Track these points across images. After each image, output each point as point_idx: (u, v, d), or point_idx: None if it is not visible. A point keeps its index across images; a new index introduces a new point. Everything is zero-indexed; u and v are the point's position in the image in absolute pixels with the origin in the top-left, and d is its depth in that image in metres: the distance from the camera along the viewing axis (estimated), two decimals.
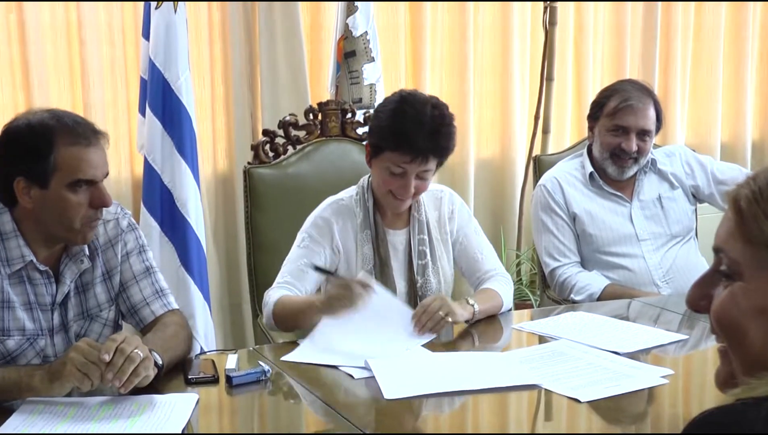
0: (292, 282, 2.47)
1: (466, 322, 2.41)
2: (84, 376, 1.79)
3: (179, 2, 3.45)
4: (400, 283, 2.58)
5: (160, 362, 1.93)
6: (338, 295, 2.20)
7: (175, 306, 2.25)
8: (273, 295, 2.44)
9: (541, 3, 4.36)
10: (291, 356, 2.19)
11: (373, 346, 2.18)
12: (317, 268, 2.37)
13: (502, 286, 2.59)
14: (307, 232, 2.55)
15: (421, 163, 2.41)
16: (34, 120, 2.00)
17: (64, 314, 2.11)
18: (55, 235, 2.06)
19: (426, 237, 2.59)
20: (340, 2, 3.82)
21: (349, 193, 2.62)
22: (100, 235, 2.15)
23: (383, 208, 2.58)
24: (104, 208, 2.08)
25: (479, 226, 2.72)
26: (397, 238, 2.60)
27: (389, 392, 1.94)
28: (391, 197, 2.49)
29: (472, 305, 2.42)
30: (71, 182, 1.99)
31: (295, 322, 2.40)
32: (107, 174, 2.07)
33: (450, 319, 2.29)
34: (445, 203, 2.65)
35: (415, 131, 2.39)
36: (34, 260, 2.04)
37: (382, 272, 2.55)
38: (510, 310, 2.64)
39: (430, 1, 4.29)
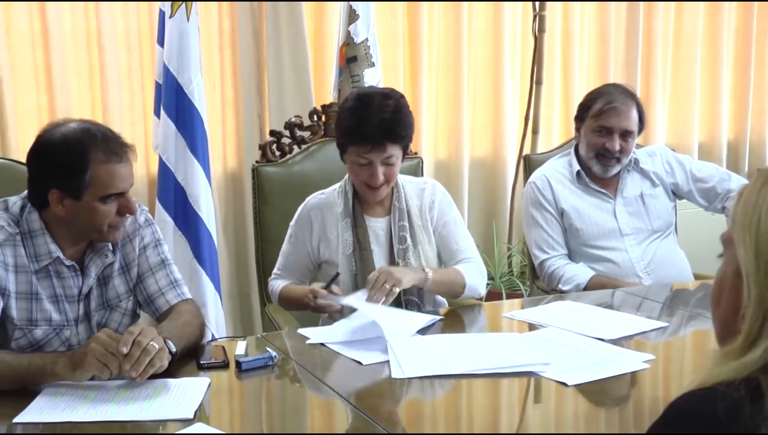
0: (284, 275, 2.69)
1: (420, 289, 2.45)
2: (103, 365, 1.79)
3: (192, 9, 3.45)
4: (382, 266, 2.59)
5: (174, 350, 1.93)
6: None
7: (189, 296, 2.25)
8: (274, 286, 2.68)
9: (531, 12, 4.37)
10: (314, 338, 2.22)
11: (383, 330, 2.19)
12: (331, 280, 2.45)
13: (467, 269, 2.61)
14: (293, 229, 2.69)
15: (380, 150, 2.46)
16: (69, 134, 1.99)
17: (87, 305, 2.12)
18: (84, 236, 2.07)
19: (407, 223, 2.62)
20: (342, 9, 3.82)
21: (333, 187, 2.69)
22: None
23: (364, 199, 2.63)
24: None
25: (459, 217, 2.73)
26: (378, 225, 2.64)
27: (398, 373, 1.94)
28: (366, 187, 2.55)
29: (426, 272, 2.47)
30: (103, 196, 2.00)
31: (297, 308, 2.62)
32: (133, 184, 2.08)
33: (396, 289, 2.33)
34: (427, 193, 2.68)
35: (368, 123, 2.45)
36: (61, 256, 2.04)
37: (362, 256, 2.59)
38: (481, 297, 2.69)
39: (428, 1, 4.29)
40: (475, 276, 2.61)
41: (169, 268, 2.22)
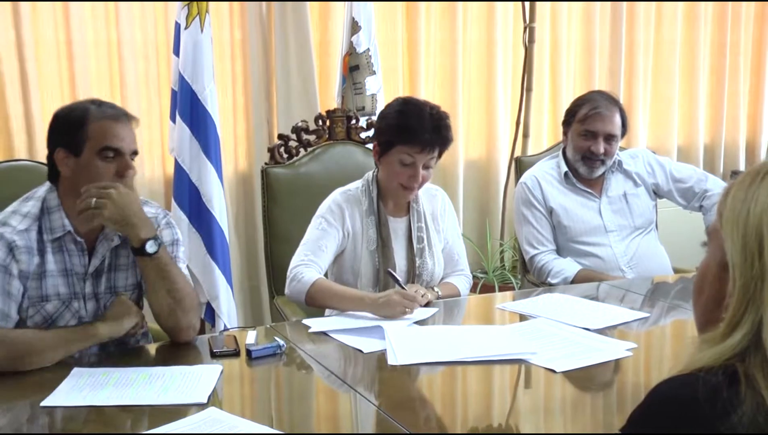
0: (315, 260, 2.49)
1: (428, 303, 2.45)
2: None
3: (205, 21, 3.45)
4: (401, 263, 2.60)
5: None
6: (398, 302, 2.27)
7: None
8: (306, 273, 2.44)
9: (522, 24, 4.36)
10: (315, 327, 2.23)
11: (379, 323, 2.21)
12: (390, 273, 2.43)
13: (461, 281, 2.70)
14: (323, 217, 2.57)
15: (428, 152, 2.48)
16: (76, 104, 2.10)
17: (96, 285, 2.11)
18: None
19: (423, 225, 2.64)
20: (345, 21, 3.83)
21: (356, 185, 2.65)
22: None
23: (386, 198, 2.62)
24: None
25: (459, 229, 2.81)
26: (398, 225, 2.63)
27: (392, 359, 1.95)
28: (401, 188, 2.54)
29: (437, 291, 2.56)
30: (100, 149, 2.01)
31: (332, 305, 2.43)
32: (135, 152, 2.08)
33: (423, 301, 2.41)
34: (439, 201, 2.71)
35: (421, 126, 2.46)
36: (72, 231, 2.05)
37: (384, 253, 2.58)
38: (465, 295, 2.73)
39: (426, 2, 4.29)
40: (466, 287, 2.71)
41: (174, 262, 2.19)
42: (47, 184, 2.10)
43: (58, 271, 2.05)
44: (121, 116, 2.06)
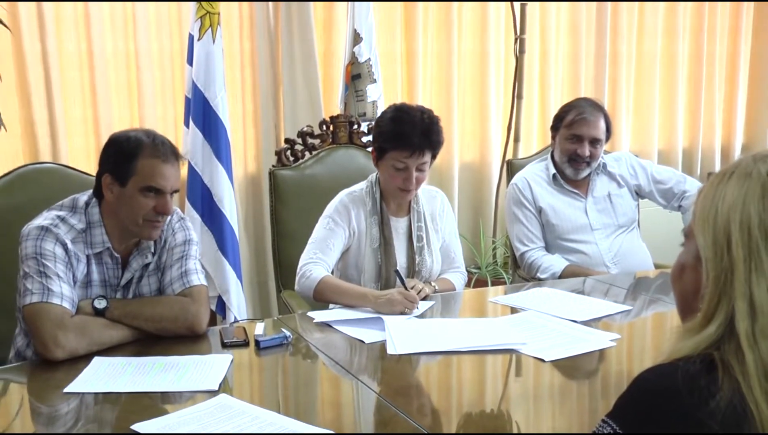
0: (323, 258, 2.49)
1: (425, 297, 2.44)
2: None
3: (217, 33, 3.45)
4: (401, 259, 2.59)
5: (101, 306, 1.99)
6: (399, 301, 2.25)
7: (194, 283, 2.12)
8: (314, 271, 2.43)
9: (513, 35, 4.36)
10: (319, 318, 2.24)
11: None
12: (397, 272, 2.40)
13: (456, 278, 2.68)
14: (331, 217, 2.56)
15: (419, 156, 2.45)
16: (132, 134, 2.05)
17: (125, 294, 2.11)
18: (125, 228, 2.06)
19: (423, 225, 2.62)
20: (348, 32, 3.82)
21: (360, 186, 2.64)
22: (161, 238, 2.16)
23: (388, 199, 2.61)
24: (167, 216, 2.10)
25: (457, 228, 2.78)
26: (399, 224, 2.62)
27: (391, 349, 1.96)
28: (398, 190, 2.52)
29: (434, 286, 2.55)
30: (144, 187, 2.00)
31: (337, 301, 2.40)
32: (177, 190, 2.07)
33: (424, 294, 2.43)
34: (438, 202, 2.70)
35: (411, 132, 2.44)
36: (111, 247, 2.05)
37: (386, 250, 2.57)
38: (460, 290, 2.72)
39: None
40: (461, 283, 2.70)
41: (185, 261, 2.15)
42: (88, 195, 2.08)
43: (100, 282, 2.06)
44: (170, 156, 2.03)
